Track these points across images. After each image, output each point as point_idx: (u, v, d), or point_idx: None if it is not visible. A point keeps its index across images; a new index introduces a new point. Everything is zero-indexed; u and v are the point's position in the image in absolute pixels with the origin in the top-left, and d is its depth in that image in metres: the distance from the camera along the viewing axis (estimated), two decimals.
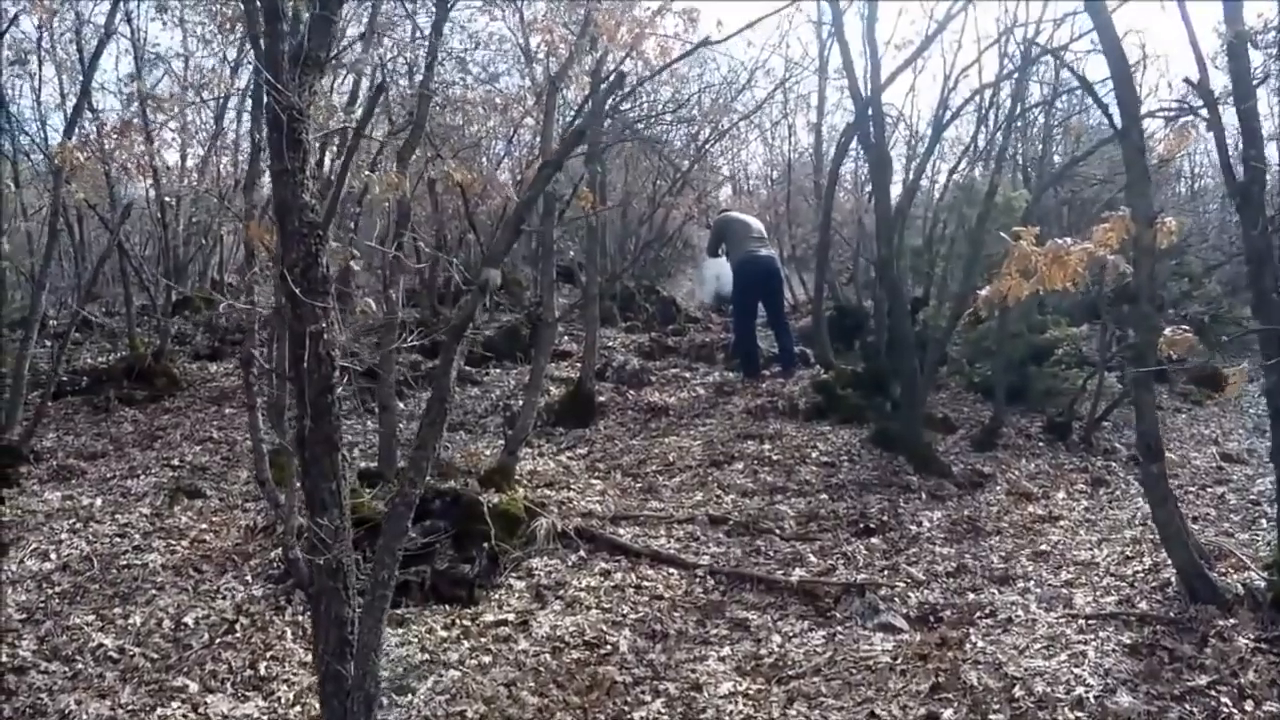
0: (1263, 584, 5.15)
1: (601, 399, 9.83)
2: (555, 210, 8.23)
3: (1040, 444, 9.19)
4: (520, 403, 8.99)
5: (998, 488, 7.89)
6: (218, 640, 5.18)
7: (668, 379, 10.80)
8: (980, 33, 22.84)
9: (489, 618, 5.45)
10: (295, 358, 3.57)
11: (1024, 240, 4.70)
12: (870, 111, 8.82)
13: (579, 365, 10.18)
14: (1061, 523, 7.07)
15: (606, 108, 8.72)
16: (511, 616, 5.47)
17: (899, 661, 4.90)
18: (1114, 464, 8.77)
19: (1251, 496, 7.53)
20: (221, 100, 12.15)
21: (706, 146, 13.73)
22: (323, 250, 3.59)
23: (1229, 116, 5.22)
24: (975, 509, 7.32)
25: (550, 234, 8.27)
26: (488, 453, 8.14)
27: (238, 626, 5.33)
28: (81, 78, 10.24)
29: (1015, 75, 10.23)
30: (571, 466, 8.06)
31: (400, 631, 5.25)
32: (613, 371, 10.68)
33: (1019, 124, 10.93)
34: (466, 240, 13.09)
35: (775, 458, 8.24)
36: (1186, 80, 5.23)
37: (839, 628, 5.40)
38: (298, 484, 4.10)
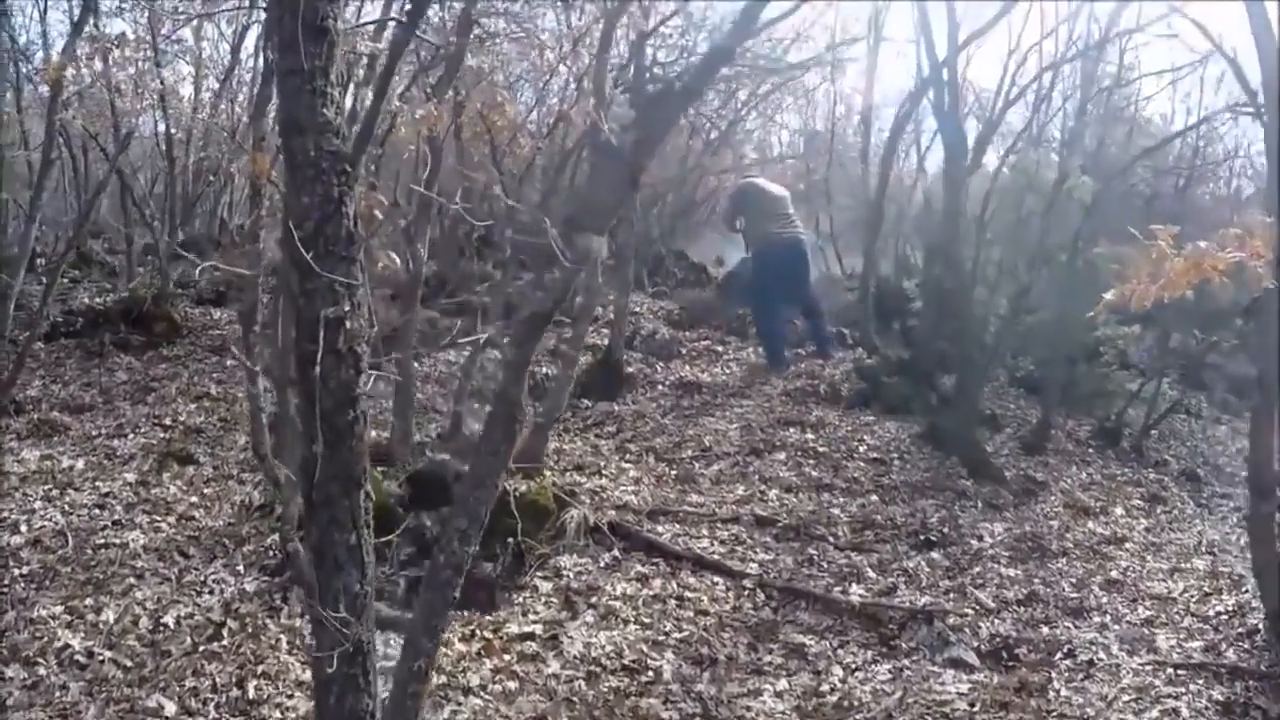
0: None
1: (630, 370, 9.24)
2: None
3: (1090, 450, 8.77)
4: (547, 371, 8.38)
5: (1053, 498, 7.46)
6: (201, 647, 4.48)
7: (699, 351, 10.19)
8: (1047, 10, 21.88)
9: (513, 629, 4.82)
10: (303, 356, 2.62)
11: (1162, 241, 4.08)
12: (945, 77, 8.13)
13: (606, 332, 9.57)
14: (1127, 545, 6.62)
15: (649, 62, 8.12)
16: (539, 629, 4.83)
17: (977, 709, 4.37)
18: (1167, 478, 8.38)
19: None
20: (239, 28, 11.42)
21: (746, 109, 13.04)
22: (350, 196, 2.64)
23: None
24: (1035, 523, 6.84)
25: None
26: None
27: (225, 631, 4.63)
28: None
29: (1089, 53, 9.59)
30: (601, 447, 7.47)
31: None
32: (641, 341, 10.06)
33: (1089, 108, 10.26)
34: (491, 192, 12.42)
35: (820, 449, 7.67)
36: None
37: (906, 660, 4.83)
38: (299, 537, 3.26)
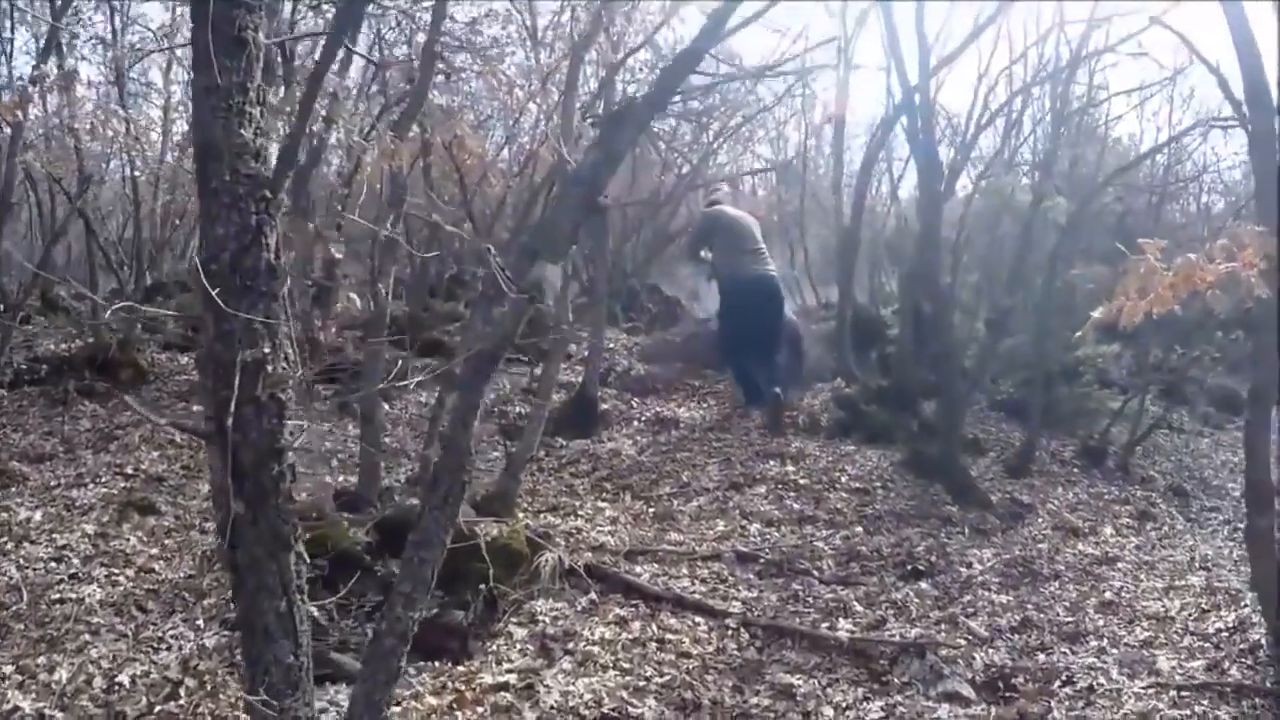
0: None
1: (605, 406, 9.05)
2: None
3: (1075, 470, 8.73)
4: (520, 410, 8.18)
5: (1040, 520, 7.36)
6: (158, 708, 4.21)
7: (674, 385, 9.99)
8: (1014, 35, 21.85)
9: (487, 679, 4.55)
10: (219, 403, 2.37)
11: (1150, 255, 3.94)
12: (918, 100, 8.01)
13: (580, 369, 9.39)
14: (1119, 565, 6.50)
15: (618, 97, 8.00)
16: (514, 678, 4.54)
17: None
18: (1154, 495, 8.35)
19: None
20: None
21: (716, 142, 12.95)
22: (271, 225, 2.40)
23: None
24: (1025, 546, 6.71)
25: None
26: (481, 467, 7.34)
27: (182, 690, 4.35)
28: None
29: (1060, 74, 9.54)
30: (576, 486, 7.26)
31: None
32: (615, 377, 9.89)
33: (1062, 130, 10.20)
34: (462, 229, 12.28)
35: (802, 481, 7.50)
36: None
37: (898, 697, 4.61)
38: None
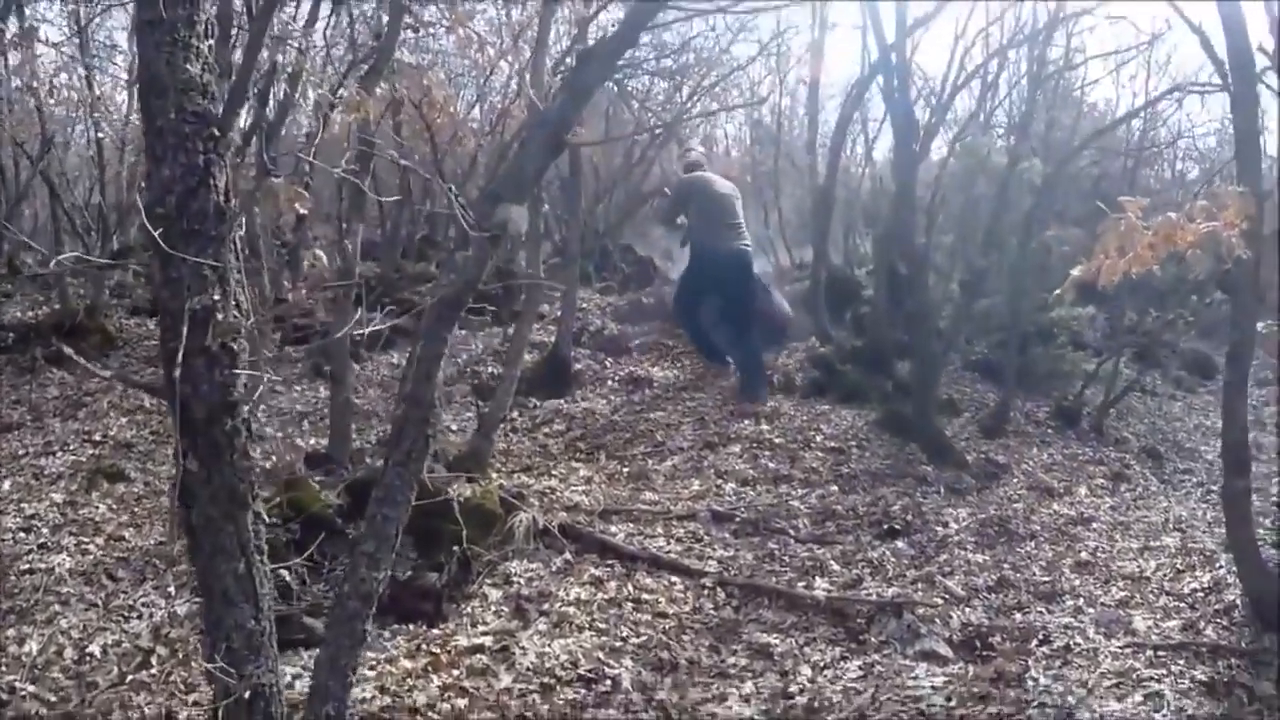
0: None
1: (578, 366, 8.96)
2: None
3: (1050, 431, 8.68)
4: (493, 370, 8.08)
5: (1015, 480, 7.34)
6: (130, 677, 4.13)
7: (648, 346, 9.89)
8: None
9: (462, 641, 4.50)
10: (168, 355, 2.26)
11: (1130, 214, 3.89)
12: (894, 59, 7.92)
13: (553, 329, 9.29)
14: (1094, 525, 6.48)
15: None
16: (489, 640, 4.51)
17: (954, 703, 4.12)
18: (1128, 456, 8.32)
19: (1274, 498, 6.90)
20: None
21: (691, 101, 12.77)
22: (220, 166, 2.28)
23: None
24: (1000, 506, 6.69)
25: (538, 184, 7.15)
26: (454, 428, 7.26)
27: (154, 659, 4.28)
28: None
29: (1040, 37, 9.44)
30: (549, 446, 7.19)
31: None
32: (589, 336, 9.78)
33: (1039, 93, 10.11)
34: (432, 189, 12.10)
35: (776, 440, 7.44)
36: (1261, 49, 4.64)
37: (876, 655, 4.58)
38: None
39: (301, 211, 4.01)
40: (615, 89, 11.60)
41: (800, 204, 13.95)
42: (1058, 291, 4.45)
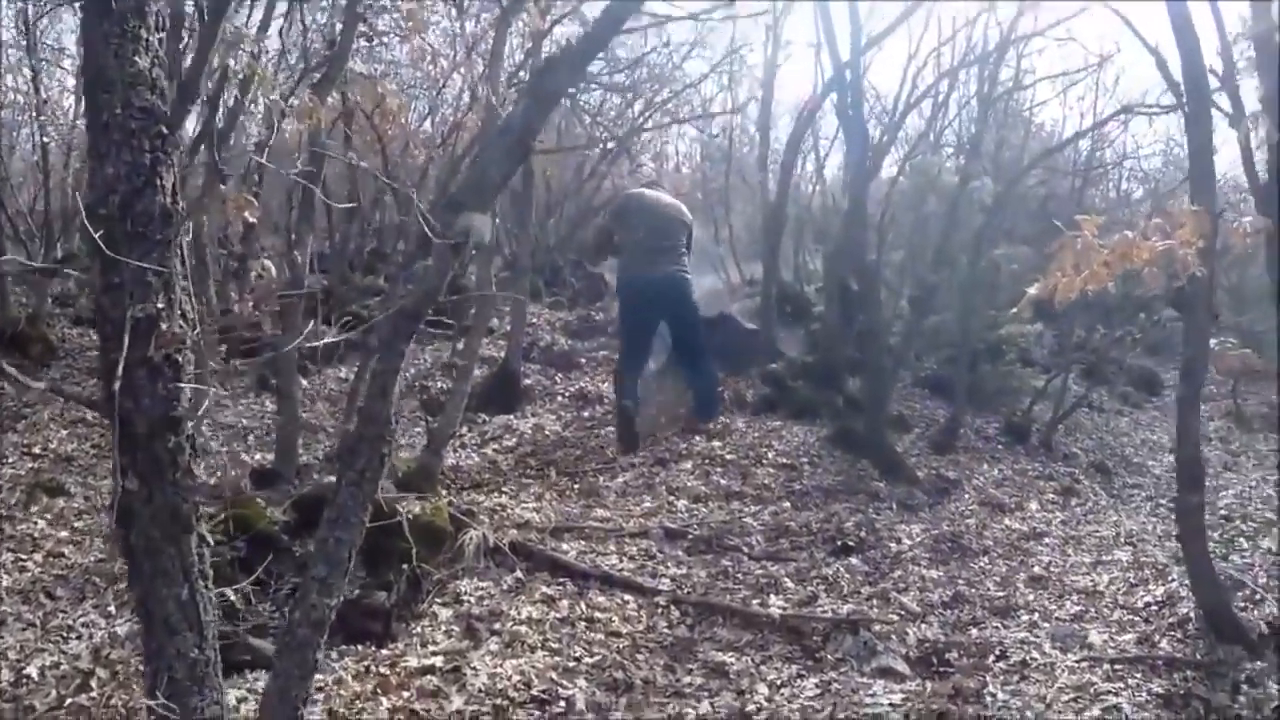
0: None
1: (528, 382, 8.88)
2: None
3: (1000, 447, 8.74)
4: (443, 385, 7.97)
5: (966, 496, 7.37)
6: (69, 700, 3.96)
7: (598, 361, 9.81)
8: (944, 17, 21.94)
9: (412, 662, 4.38)
10: (108, 366, 2.13)
11: (1088, 231, 3.90)
12: (849, 76, 7.94)
13: (503, 343, 9.21)
14: (1046, 540, 6.51)
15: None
16: (439, 661, 4.38)
17: None
18: (1077, 471, 8.41)
19: (1221, 512, 7.02)
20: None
21: (644, 117, 12.74)
22: (167, 166, 2.15)
23: None
24: (953, 522, 6.70)
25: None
26: (404, 443, 7.14)
27: (94, 681, 4.10)
28: None
29: (990, 58, 9.55)
30: (499, 462, 7.09)
31: None
32: (539, 352, 9.71)
33: (989, 113, 10.21)
34: (382, 201, 11.97)
35: (728, 457, 7.41)
36: (1212, 71, 4.70)
37: (833, 673, 4.53)
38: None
39: (250, 220, 3.92)
40: (568, 103, 11.56)
41: (751, 221, 13.97)
42: (1014, 309, 4.45)
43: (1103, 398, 10.69)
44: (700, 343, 8.26)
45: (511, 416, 8.17)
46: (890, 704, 4.21)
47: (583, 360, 9.77)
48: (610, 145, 12.41)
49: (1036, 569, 5.91)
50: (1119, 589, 5.54)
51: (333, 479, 5.35)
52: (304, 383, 7.97)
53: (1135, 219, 4.37)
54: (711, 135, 14.66)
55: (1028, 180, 11.03)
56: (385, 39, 8.37)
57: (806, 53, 17.15)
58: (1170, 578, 5.51)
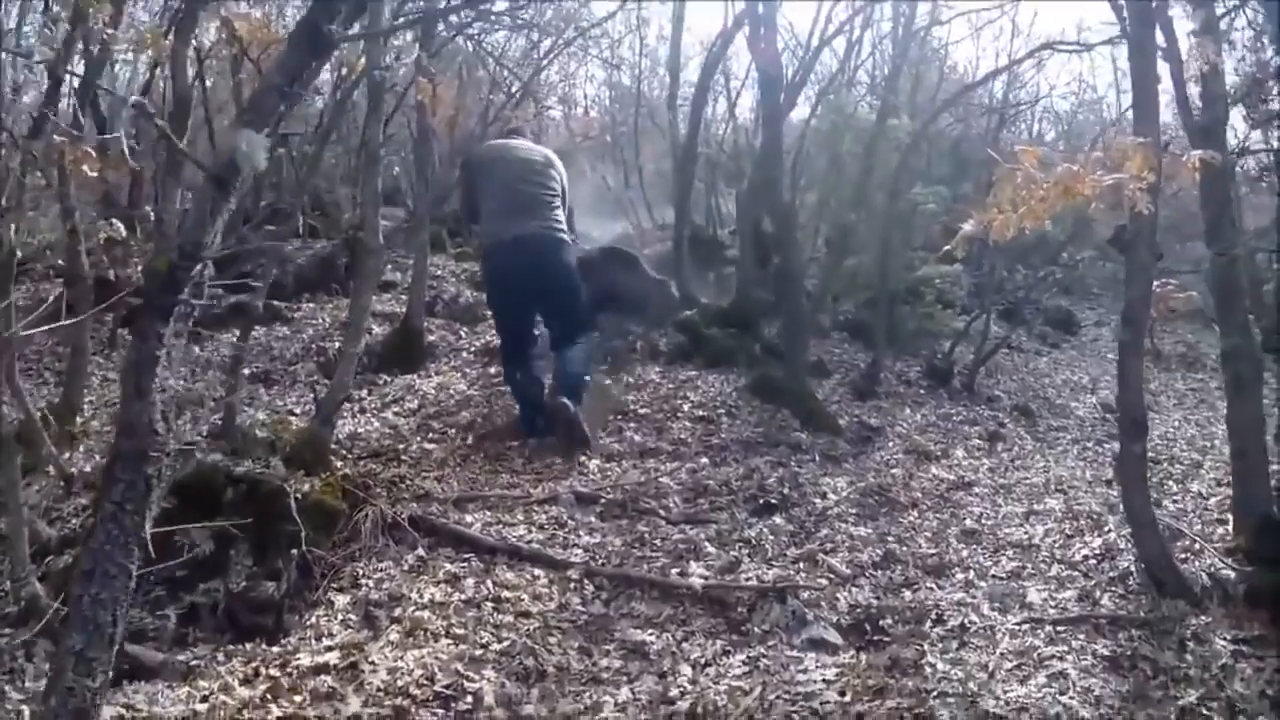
0: (1231, 574, 4.54)
1: (431, 338, 8.42)
2: (381, 110, 6.44)
3: (922, 391, 8.66)
4: (337, 345, 7.48)
5: (891, 444, 7.18)
6: None
7: None
8: None
9: (305, 660, 3.93)
10: None
11: (1027, 163, 3.57)
12: (761, 8, 7.55)
13: (404, 299, 8.72)
14: (975, 490, 6.32)
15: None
16: (335, 657, 3.93)
17: (849, 698, 3.76)
18: (1001, 414, 8.34)
19: (1150, 455, 6.82)
20: None
21: (549, 57, 12.28)
22: None
23: None
24: (879, 473, 6.46)
25: (376, 139, 6.42)
26: (298, 412, 6.66)
27: None
28: None
29: None
30: (400, 427, 6.63)
31: (184, 691, 3.70)
32: (443, 305, 9.24)
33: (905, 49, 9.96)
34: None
35: (641, 411, 7.05)
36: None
37: (760, 648, 4.20)
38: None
39: (88, 171, 3.48)
40: (471, 46, 11.03)
41: (661, 164, 13.62)
42: (947, 248, 4.13)
43: (1021, 338, 10.60)
44: (579, 317, 6.88)
45: (414, 376, 7.70)
46: (824, 680, 3.91)
47: (488, 313, 9.31)
48: (514, 89, 11.94)
49: (969, 522, 5.67)
50: (1055, 541, 5.32)
51: (216, 457, 4.90)
52: (198, 351, 7.44)
53: (1078, 153, 4.10)
54: (618, 78, 14.23)
55: (943, 120, 10.82)
56: None
57: None
58: (1106, 528, 5.32)
